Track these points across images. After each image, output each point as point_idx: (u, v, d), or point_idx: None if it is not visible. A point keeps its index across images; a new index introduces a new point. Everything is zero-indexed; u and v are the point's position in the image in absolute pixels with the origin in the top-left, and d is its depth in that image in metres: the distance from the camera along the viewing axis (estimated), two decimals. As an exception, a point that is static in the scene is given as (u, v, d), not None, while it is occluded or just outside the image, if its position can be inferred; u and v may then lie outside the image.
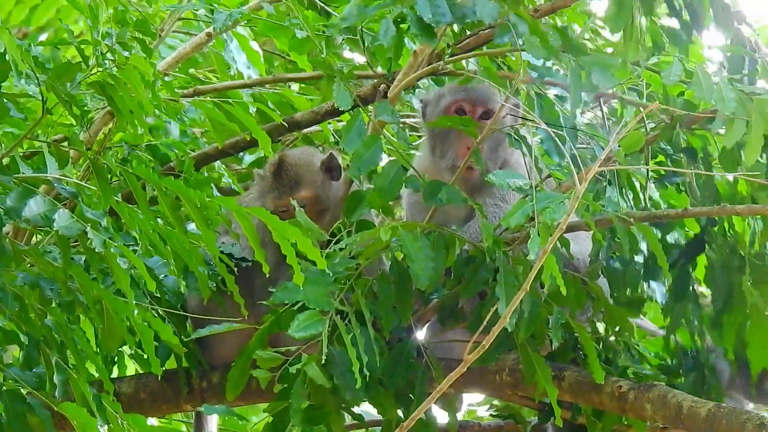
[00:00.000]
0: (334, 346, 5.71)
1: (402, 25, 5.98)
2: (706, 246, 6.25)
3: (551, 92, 6.11)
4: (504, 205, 6.21)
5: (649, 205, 6.25)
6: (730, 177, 6.24)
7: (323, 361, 5.62)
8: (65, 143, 6.14)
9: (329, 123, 7.20)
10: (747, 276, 6.14)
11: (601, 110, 6.38)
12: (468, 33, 6.32)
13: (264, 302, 5.85)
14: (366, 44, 6.45)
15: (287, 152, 6.52)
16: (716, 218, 6.24)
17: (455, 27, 6.25)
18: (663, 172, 6.42)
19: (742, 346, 6.21)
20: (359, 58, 7.23)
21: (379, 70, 6.55)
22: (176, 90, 6.54)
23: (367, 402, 5.96)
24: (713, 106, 5.81)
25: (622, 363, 6.14)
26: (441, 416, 6.22)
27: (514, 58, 6.22)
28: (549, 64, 5.94)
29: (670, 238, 6.37)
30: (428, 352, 6.07)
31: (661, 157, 6.49)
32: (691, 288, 6.26)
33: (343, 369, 5.70)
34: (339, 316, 5.73)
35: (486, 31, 6.21)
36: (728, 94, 5.72)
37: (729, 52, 6.14)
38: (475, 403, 7.62)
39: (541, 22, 6.04)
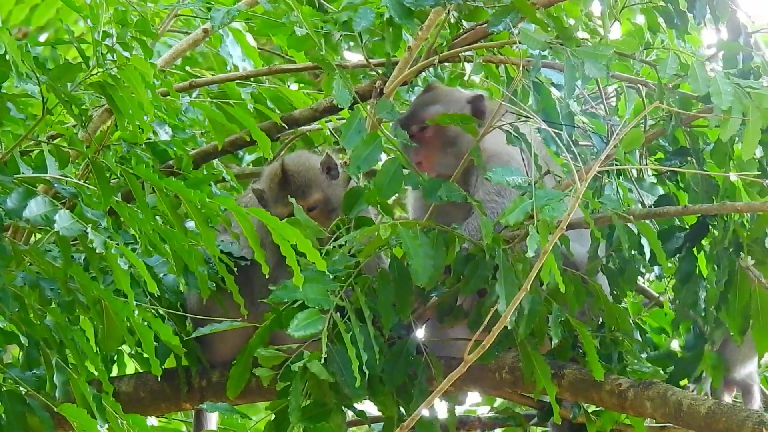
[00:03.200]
0: (334, 344, 5.72)
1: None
2: (710, 228, 6.25)
3: (548, 76, 6.13)
4: (500, 199, 6.20)
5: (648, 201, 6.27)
6: (732, 177, 6.22)
7: (324, 359, 5.62)
8: (63, 141, 6.14)
9: (328, 121, 7.21)
10: (747, 256, 6.15)
11: (602, 96, 6.38)
12: (465, 28, 6.34)
13: (263, 300, 5.85)
14: (363, 41, 6.46)
15: (286, 160, 6.48)
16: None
17: (451, 17, 6.26)
18: (664, 170, 6.43)
19: None
20: (356, 56, 7.25)
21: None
22: (174, 87, 6.55)
23: (368, 400, 5.97)
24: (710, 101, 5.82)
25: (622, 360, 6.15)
26: (441, 412, 6.25)
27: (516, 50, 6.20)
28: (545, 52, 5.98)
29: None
30: (428, 350, 6.07)
31: (660, 154, 6.50)
32: (696, 271, 6.25)
33: (343, 366, 5.70)
34: (339, 314, 5.73)
35: (483, 24, 6.22)
36: (725, 88, 5.72)
37: (724, 48, 6.15)
38: (475, 404, 7.63)
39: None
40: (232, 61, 7.04)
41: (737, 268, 6.16)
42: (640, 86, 6.30)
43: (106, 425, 5.55)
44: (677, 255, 6.26)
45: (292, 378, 5.71)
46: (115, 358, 6.65)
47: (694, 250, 6.28)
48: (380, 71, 6.43)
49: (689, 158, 6.29)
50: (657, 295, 6.94)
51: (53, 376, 5.62)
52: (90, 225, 5.42)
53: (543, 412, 6.50)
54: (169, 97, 6.47)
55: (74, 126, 6.39)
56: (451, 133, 6.24)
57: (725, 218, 6.14)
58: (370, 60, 6.51)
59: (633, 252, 6.02)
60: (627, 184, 6.10)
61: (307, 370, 5.67)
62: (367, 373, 5.66)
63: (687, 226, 6.32)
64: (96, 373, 5.79)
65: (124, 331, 5.62)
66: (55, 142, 6.24)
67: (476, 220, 6.04)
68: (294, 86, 7.59)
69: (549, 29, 5.98)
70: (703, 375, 6.48)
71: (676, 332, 6.50)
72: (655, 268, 6.30)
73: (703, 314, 6.26)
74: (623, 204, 5.96)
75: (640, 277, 6.33)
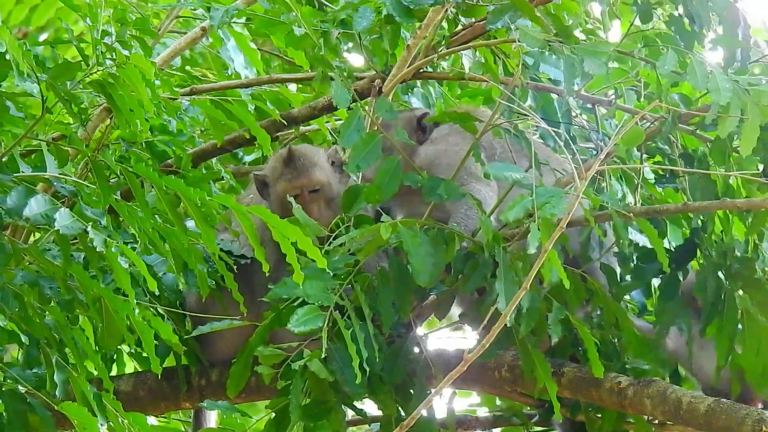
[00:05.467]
0: (334, 342, 5.71)
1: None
2: (698, 251, 6.25)
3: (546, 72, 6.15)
4: (475, 184, 6.21)
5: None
6: (731, 179, 6.23)
7: (324, 357, 5.62)
8: (63, 142, 6.14)
9: (327, 121, 7.21)
10: (736, 282, 6.15)
11: (596, 116, 6.41)
12: (463, 24, 6.35)
13: (263, 299, 5.85)
14: (362, 39, 6.46)
15: (293, 146, 6.55)
16: (707, 223, 6.23)
17: (449, 13, 6.26)
18: (661, 172, 6.43)
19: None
20: (356, 58, 7.26)
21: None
22: (174, 88, 6.54)
23: (367, 398, 5.96)
24: (709, 100, 5.81)
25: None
26: (439, 410, 6.25)
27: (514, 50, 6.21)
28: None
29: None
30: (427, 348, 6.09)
31: (658, 157, 6.50)
32: (679, 293, 6.26)
33: (343, 364, 5.70)
34: (338, 312, 5.73)
35: (481, 21, 6.23)
36: (723, 84, 5.73)
37: (721, 44, 6.15)
38: (476, 404, 7.61)
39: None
40: (233, 66, 7.02)
41: (725, 292, 6.17)
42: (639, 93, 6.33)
43: (107, 423, 5.54)
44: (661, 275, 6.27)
45: (292, 376, 5.72)
46: (115, 357, 6.65)
47: (679, 272, 6.29)
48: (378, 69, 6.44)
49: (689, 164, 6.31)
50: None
51: (53, 374, 5.62)
52: (90, 223, 5.42)
53: (545, 411, 6.50)
54: (168, 96, 6.46)
55: (74, 125, 6.39)
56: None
57: (714, 241, 6.15)
58: (370, 62, 6.52)
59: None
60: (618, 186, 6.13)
61: (307, 369, 5.67)
62: (367, 371, 5.66)
63: (673, 248, 6.34)
64: (96, 372, 5.79)
65: (123, 330, 5.62)
66: (54, 136, 6.22)
67: (462, 207, 6.06)
68: (292, 86, 7.58)
69: (547, 27, 5.99)
70: None
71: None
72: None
73: (685, 337, 6.28)
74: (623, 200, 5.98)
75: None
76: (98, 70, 5.79)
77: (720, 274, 6.15)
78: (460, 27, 6.39)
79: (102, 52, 5.81)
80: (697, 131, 6.28)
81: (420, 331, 6.26)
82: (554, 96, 6.15)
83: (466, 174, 6.15)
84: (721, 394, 5.98)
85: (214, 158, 7.09)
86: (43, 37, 9.03)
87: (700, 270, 6.20)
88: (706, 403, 5.75)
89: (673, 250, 6.31)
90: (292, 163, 6.39)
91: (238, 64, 6.99)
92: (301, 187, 6.29)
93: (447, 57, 6.61)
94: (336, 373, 5.70)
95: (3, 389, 5.56)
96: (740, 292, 6.15)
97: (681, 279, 6.25)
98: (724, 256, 6.14)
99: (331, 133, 7.27)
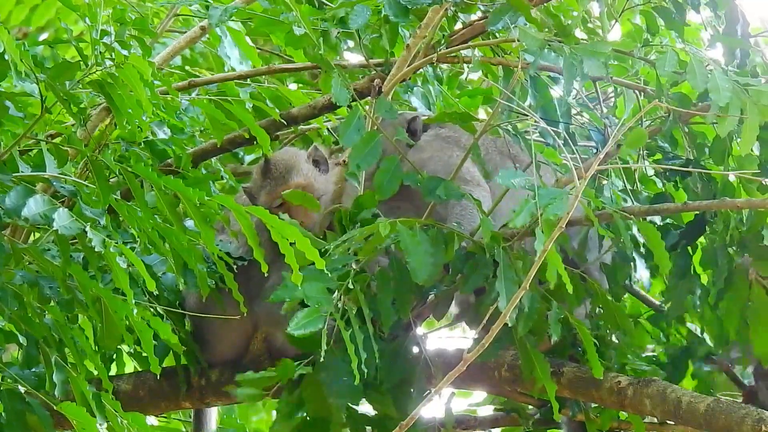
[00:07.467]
0: (335, 353, 5.69)
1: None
2: (706, 227, 6.24)
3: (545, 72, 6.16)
4: (466, 187, 6.21)
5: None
6: (731, 177, 6.23)
7: (322, 360, 5.60)
8: (62, 140, 6.14)
9: (327, 120, 7.21)
10: (746, 255, 6.15)
11: (598, 98, 6.39)
12: (463, 22, 6.35)
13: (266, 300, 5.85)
14: (362, 38, 6.47)
15: (271, 154, 6.55)
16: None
17: (448, 11, 6.26)
18: (661, 170, 6.43)
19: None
20: (356, 57, 7.25)
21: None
22: (173, 87, 6.54)
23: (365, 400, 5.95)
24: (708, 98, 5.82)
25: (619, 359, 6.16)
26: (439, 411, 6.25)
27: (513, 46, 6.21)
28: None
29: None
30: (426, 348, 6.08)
31: (659, 155, 6.50)
32: (691, 269, 6.25)
33: (339, 371, 5.68)
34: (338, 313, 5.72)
35: (481, 21, 6.23)
36: (723, 84, 5.73)
37: (720, 41, 6.15)
38: (475, 404, 7.61)
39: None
40: (230, 63, 7.03)
41: (735, 267, 6.16)
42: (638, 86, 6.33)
43: (106, 424, 5.54)
44: (672, 252, 6.25)
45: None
46: (114, 357, 6.65)
47: (689, 248, 6.27)
48: (379, 69, 6.44)
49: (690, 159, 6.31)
50: (658, 303, 6.91)
51: (52, 374, 5.62)
52: (89, 223, 5.42)
53: (547, 410, 6.49)
54: (168, 96, 6.47)
55: (73, 125, 6.39)
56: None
57: (724, 216, 6.14)
58: (369, 60, 6.51)
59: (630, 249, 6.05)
60: (620, 184, 6.13)
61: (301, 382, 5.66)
62: (366, 372, 5.64)
63: (683, 225, 6.33)
64: (95, 372, 5.79)
65: (123, 330, 5.62)
66: (54, 140, 6.23)
67: (456, 208, 6.06)
68: (293, 86, 7.59)
69: (546, 28, 5.99)
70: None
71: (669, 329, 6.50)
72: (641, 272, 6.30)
73: (697, 311, 6.26)
74: (619, 200, 5.98)
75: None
76: (97, 70, 5.80)
77: (729, 249, 6.15)
78: (459, 26, 6.39)
79: (101, 52, 5.81)
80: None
81: (419, 330, 6.27)
82: (554, 96, 6.12)
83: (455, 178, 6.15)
84: None
85: (214, 158, 7.08)
86: (42, 37, 9.05)
87: (708, 244, 6.19)
88: (705, 403, 5.75)
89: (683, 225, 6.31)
90: (269, 173, 6.38)
91: (234, 60, 7.00)
92: (280, 195, 6.28)
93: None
94: (331, 380, 5.67)
95: (2, 389, 5.56)
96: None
97: (691, 255, 6.24)
98: (732, 230, 6.12)
99: (331, 133, 7.27)
